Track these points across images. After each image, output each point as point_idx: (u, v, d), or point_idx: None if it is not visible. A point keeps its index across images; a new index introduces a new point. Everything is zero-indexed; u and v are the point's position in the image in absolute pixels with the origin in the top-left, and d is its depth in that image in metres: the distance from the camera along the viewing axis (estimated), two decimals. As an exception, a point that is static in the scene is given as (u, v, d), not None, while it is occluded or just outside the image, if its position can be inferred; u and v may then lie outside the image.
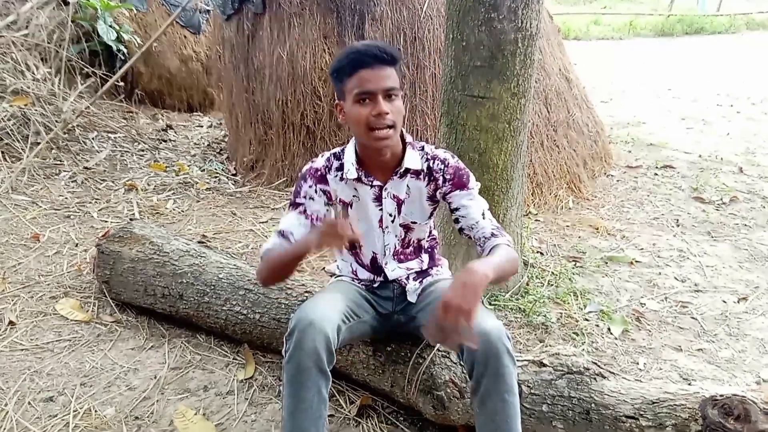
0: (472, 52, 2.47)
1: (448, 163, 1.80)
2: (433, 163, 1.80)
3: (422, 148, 1.82)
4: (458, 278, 1.47)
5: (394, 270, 1.91)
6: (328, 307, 1.68)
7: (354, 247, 1.91)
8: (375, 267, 1.92)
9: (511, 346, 1.58)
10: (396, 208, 1.83)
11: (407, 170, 1.78)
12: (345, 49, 1.65)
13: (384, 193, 1.80)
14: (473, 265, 1.49)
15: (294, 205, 1.83)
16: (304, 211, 1.81)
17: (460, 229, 1.85)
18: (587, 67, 10.18)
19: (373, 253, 1.90)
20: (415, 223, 1.87)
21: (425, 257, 1.97)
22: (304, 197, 1.81)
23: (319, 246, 1.57)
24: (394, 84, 1.63)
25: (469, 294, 1.42)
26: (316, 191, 1.81)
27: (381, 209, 1.82)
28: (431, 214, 1.89)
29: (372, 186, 1.79)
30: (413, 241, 1.92)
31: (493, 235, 1.77)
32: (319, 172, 1.81)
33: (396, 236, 1.88)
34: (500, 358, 1.55)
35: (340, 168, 1.80)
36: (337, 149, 1.85)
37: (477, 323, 1.54)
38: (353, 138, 1.81)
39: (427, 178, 1.81)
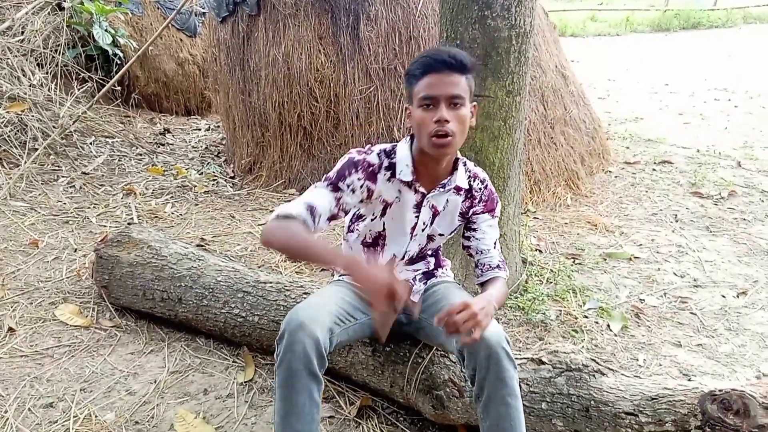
0: (466, 50, 2.45)
1: (487, 185, 1.86)
2: (474, 181, 1.83)
3: (465, 164, 1.83)
4: (480, 298, 1.61)
5: (402, 272, 1.91)
6: (319, 309, 1.65)
7: (377, 237, 1.89)
8: None
9: (511, 349, 1.59)
10: (431, 218, 1.83)
11: (459, 188, 1.80)
12: (424, 52, 1.65)
13: (425, 202, 1.78)
14: (488, 296, 1.66)
15: (333, 185, 1.70)
16: (340, 198, 1.71)
17: (466, 246, 1.91)
18: (584, 63, 10.19)
19: (393, 255, 1.88)
20: (441, 235, 1.88)
21: (432, 259, 1.99)
22: (348, 186, 1.71)
23: (361, 294, 1.51)
24: (460, 92, 1.60)
25: (485, 313, 1.53)
26: (361, 186, 1.72)
27: (417, 217, 1.81)
28: (455, 230, 1.90)
29: (417, 192, 1.77)
30: (431, 249, 1.94)
31: (498, 267, 1.88)
32: (371, 168, 1.72)
33: (419, 244, 1.88)
34: (501, 363, 1.55)
35: (390, 167, 1.75)
36: (387, 146, 1.78)
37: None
38: (405, 139, 1.79)
39: (465, 195, 1.83)
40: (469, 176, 1.83)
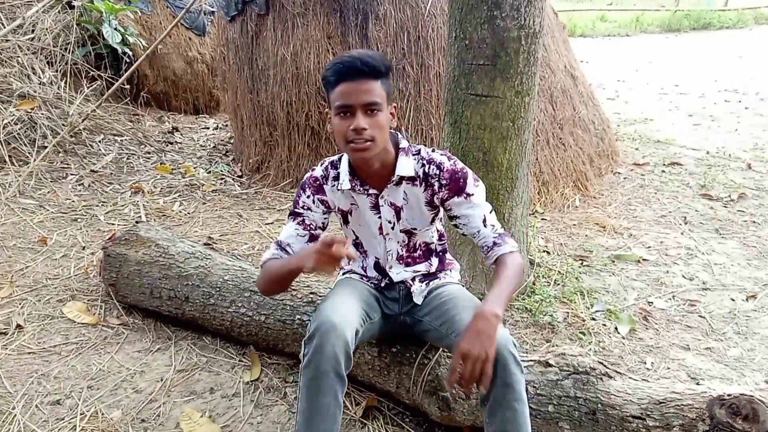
0: (475, 50, 2.46)
1: (444, 167, 1.75)
2: (429, 167, 1.76)
3: (418, 152, 1.77)
4: (472, 326, 1.52)
5: (399, 273, 1.91)
6: (348, 310, 1.68)
7: (356, 245, 1.93)
8: (379, 270, 1.92)
9: (518, 353, 1.58)
10: (395, 215, 1.82)
11: (401, 178, 1.76)
12: (336, 59, 1.64)
13: (381, 201, 1.79)
14: (484, 310, 1.54)
15: (293, 214, 1.86)
16: (303, 221, 1.84)
17: (462, 234, 1.88)
18: (593, 64, 10.15)
19: (376, 258, 1.92)
20: (416, 229, 1.85)
21: (434, 260, 1.96)
22: (303, 207, 1.84)
23: (313, 268, 1.58)
24: (376, 98, 1.60)
25: (485, 342, 1.48)
26: (314, 201, 1.83)
27: (379, 217, 1.82)
28: (433, 219, 1.87)
29: (368, 195, 1.79)
30: (420, 245, 1.91)
31: (495, 244, 1.77)
32: (317, 182, 1.83)
33: (398, 242, 1.88)
34: (508, 367, 1.54)
35: (337, 177, 1.81)
36: (335, 157, 1.85)
37: None
38: None
39: (423, 184, 1.77)
40: (423, 163, 1.76)
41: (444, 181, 1.75)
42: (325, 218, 1.87)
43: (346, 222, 1.88)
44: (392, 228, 1.84)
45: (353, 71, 1.58)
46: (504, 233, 1.80)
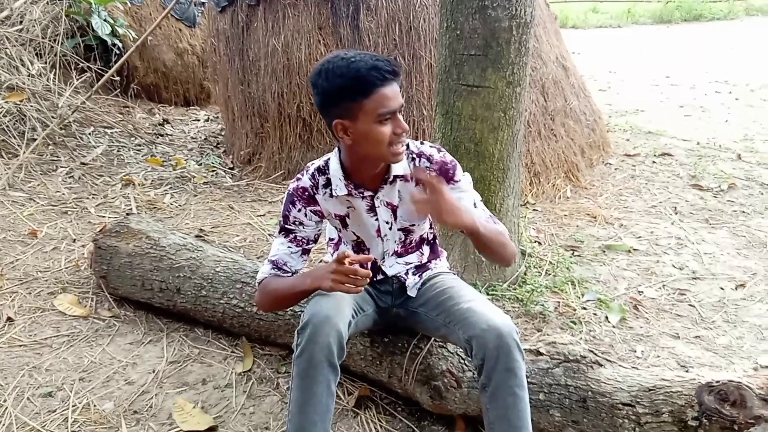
0: (466, 40, 2.46)
1: (433, 159, 1.75)
2: (419, 161, 1.76)
3: (407, 147, 1.75)
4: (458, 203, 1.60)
5: (392, 266, 1.90)
6: (341, 302, 1.67)
7: (358, 243, 1.90)
8: (374, 268, 1.91)
9: (520, 341, 1.59)
10: (391, 214, 1.81)
11: (396, 177, 1.74)
12: (347, 63, 1.52)
13: (377, 202, 1.77)
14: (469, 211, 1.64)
15: (283, 230, 1.80)
16: (294, 238, 1.79)
17: None
18: (585, 55, 10.16)
19: (375, 258, 1.89)
20: (413, 225, 1.85)
21: (426, 249, 1.96)
22: (294, 223, 1.78)
23: (332, 288, 1.58)
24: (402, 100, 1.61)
25: (454, 202, 1.57)
26: (306, 214, 1.78)
27: (377, 219, 1.80)
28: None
29: (363, 197, 1.76)
30: (415, 240, 1.92)
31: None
32: (306, 192, 1.76)
33: (395, 241, 1.87)
34: (511, 354, 1.55)
35: (327, 184, 1.76)
36: (320, 162, 1.79)
37: (487, 320, 1.58)
38: (335, 151, 1.77)
39: (415, 179, 1.77)
40: (413, 157, 1.76)
41: (434, 173, 1.74)
42: (317, 230, 1.83)
43: (344, 226, 1.84)
44: (389, 228, 1.83)
45: (390, 73, 1.53)
46: (494, 217, 1.82)
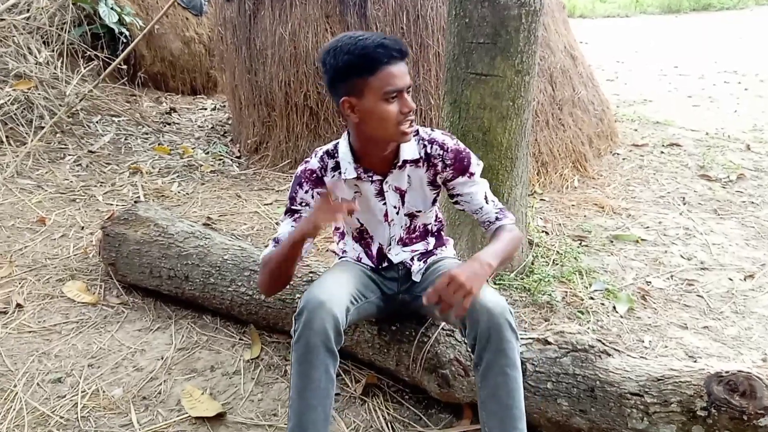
0: (475, 28, 2.44)
1: (447, 147, 1.76)
2: (431, 148, 1.76)
3: (417, 133, 1.76)
4: (466, 264, 1.57)
5: (398, 254, 1.90)
6: (338, 288, 1.68)
7: (361, 231, 1.90)
8: (380, 255, 1.91)
9: (514, 321, 1.59)
10: (399, 199, 1.81)
11: (405, 162, 1.75)
12: (356, 41, 1.54)
13: (385, 187, 1.78)
14: (479, 256, 1.59)
15: (289, 211, 1.79)
16: (300, 218, 1.77)
17: (459, 210, 1.90)
18: (593, 44, 10.09)
19: (380, 244, 1.90)
20: (420, 211, 1.86)
21: (431, 240, 1.97)
22: (300, 204, 1.77)
23: (316, 225, 1.56)
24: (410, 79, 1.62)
25: (473, 279, 1.51)
26: (312, 196, 1.76)
27: (385, 203, 1.80)
28: (434, 200, 1.87)
29: (372, 181, 1.76)
30: (419, 227, 1.92)
31: (497, 218, 1.82)
32: (314, 174, 1.76)
33: (401, 227, 1.87)
34: (502, 333, 1.55)
35: (336, 167, 1.76)
36: (329, 146, 1.79)
37: (479, 299, 1.58)
38: (344, 134, 1.77)
39: (425, 164, 1.77)
40: (424, 144, 1.76)
41: (448, 161, 1.76)
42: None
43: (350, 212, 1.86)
44: (397, 213, 1.83)
45: (397, 53, 1.55)
46: (503, 208, 1.85)
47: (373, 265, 1.93)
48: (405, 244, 1.91)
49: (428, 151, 1.76)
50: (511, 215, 1.83)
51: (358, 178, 1.75)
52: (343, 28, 4.09)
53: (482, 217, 1.84)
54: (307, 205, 1.77)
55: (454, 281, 1.49)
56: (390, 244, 1.89)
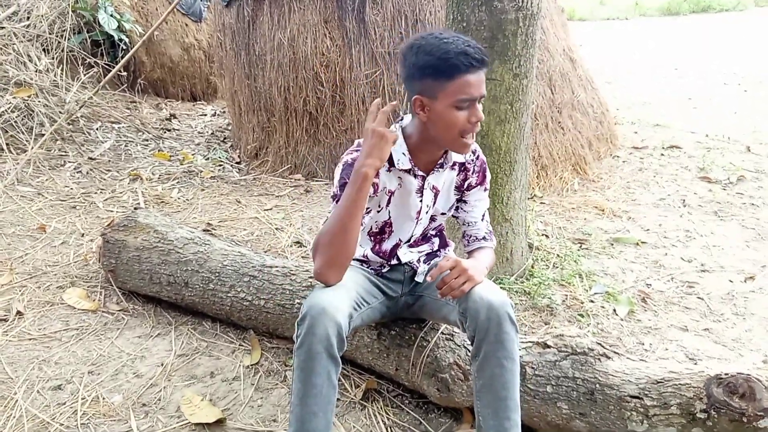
0: (473, 32, 2.45)
1: (478, 155, 1.85)
2: (469, 153, 1.82)
3: None
4: (468, 260, 1.67)
5: (406, 254, 1.91)
6: (340, 293, 1.66)
7: (383, 226, 1.87)
8: (392, 253, 1.90)
9: (514, 315, 1.60)
10: (433, 198, 1.84)
11: (455, 163, 1.80)
12: (440, 43, 1.55)
13: (426, 185, 1.79)
14: (475, 263, 1.70)
15: (338, 197, 1.69)
16: None
17: (454, 216, 1.95)
18: (592, 47, 10.10)
19: (399, 240, 1.89)
20: (443, 214, 1.89)
21: (436, 240, 1.99)
22: None
23: (384, 135, 1.58)
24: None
25: (474, 270, 1.62)
26: None
27: (421, 201, 1.81)
28: (453, 205, 1.91)
29: (416, 177, 1.78)
30: (436, 228, 1.95)
31: (485, 238, 1.93)
32: None
33: (423, 227, 1.89)
34: (502, 325, 1.56)
35: (389, 159, 1.75)
36: None
37: (480, 292, 1.61)
38: (396, 125, 1.78)
39: (458, 168, 1.83)
40: None
41: (477, 168, 1.85)
42: (372, 195, 1.77)
43: (388, 203, 1.82)
44: (426, 213, 1.85)
45: (479, 63, 1.55)
46: (492, 231, 1.96)
47: (379, 263, 1.91)
48: (415, 244, 1.92)
49: (466, 156, 1.82)
50: (495, 240, 1.96)
51: (407, 171, 1.76)
52: (342, 33, 4.11)
53: (471, 231, 1.92)
54: None
55: (458, 266, 1.59)
56: (408, 242, 1.90)
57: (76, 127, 4.84)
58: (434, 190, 1.83)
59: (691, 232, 3.49)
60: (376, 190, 1.76)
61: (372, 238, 1.90)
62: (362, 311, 1.76)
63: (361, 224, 1.87)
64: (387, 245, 1.89)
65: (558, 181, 4.14)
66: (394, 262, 1.91)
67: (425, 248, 1.95)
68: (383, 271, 1.92)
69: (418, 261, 1.92)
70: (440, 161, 1.78)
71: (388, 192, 1.79)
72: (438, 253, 1.98)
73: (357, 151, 1.73)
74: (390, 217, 1.85)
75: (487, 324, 1.57)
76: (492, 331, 1.56)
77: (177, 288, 2.50)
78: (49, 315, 2.59)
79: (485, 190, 1.90)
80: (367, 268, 1.93)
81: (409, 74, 1.63)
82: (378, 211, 1.83)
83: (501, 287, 2.73)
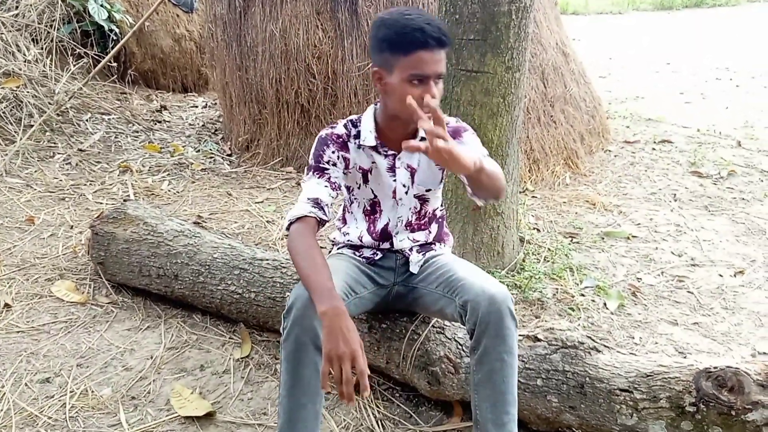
0: (465, 25, 2.44)
1: (450, 124, 1.79)
2: None
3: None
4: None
5: (402, 240, 1.90)
6: None
7: (374, 204, 1.88)
8: (384, 235, 1.90)
9: (514, 309, 1.60)
10: (410, 177, 1.82)
11: (422, 139, 1.75)
12: (401, 18, 1.57)
13: (398, 163, 1.80)
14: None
15: (317, 170, 1.76)
16: (329, 178, 1.76)
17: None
18: (585, 41, 10.11)
19: (388, 220, 1.88)
20: (429, 190, 1.86)
21: (434, 228, 1.96)
22: (328, 162, 1.77)
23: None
24: (444, 69, 1.62)
25: (459, 147, 1.44)
26: (338, 157, 1.78)
27: (395, 180, 1.82)
28: (442, 177, 1.88)
29: (386, 156, 1.79)
30: (428, 212, 1.93)
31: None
32: (341, 138, 1.79)
33: (410, 209, 1.87)
34: (503, 319, 1.56)
35: (358, 135, 1.80)
36: (353, 117, 1.84)
37: (483, 286, 1.60)
38: (372, 106, 1.81)
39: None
40: None
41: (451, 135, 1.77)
42: (342, 180, 1.81)
43: (366, 181, 1.84)
44: (405, 193, 1.84)
45: (435, 41, 1.55)
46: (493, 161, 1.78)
47: (372, 248, 1.91)
48: (413, 230, 1.91)
49: None
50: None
51: (375, 148, 1.78)
52: (334, 24, 4.08)
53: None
54: (334, 165, 1.77)
55: (444, 136, 1.43)
56: (396, 225, 1.89)
57: (65, 118, 4.80)
58: (409, 169, 1.81)
59: (682, 226, 3.50)
60: (348, 166, 1.80)
61: (367, 218, 1.91)
62: (351, 301, 1.75)
63: (351, 202, 1.92)
64: (379, 225, 1.89)
65: (550, 175, 4.14)
66: (386, 245, 1.90)
67: (420, 237, 1.93)
68: (375, 258, 1.91)
69: (411, 250, 1.91)
70: (411, 139, 1.75)
71: (360, 169, 1.82)
72: (433, 246, 1.96)
73: (332, 127, 1.81)
74: (375, 194, 1.87)
75: (488, 318, 1.56)
76: (492, 324, 1.56)
77: (167, 280, 2.48)
78: (38, 307, 2.57)
79: (461, 138, 1.76)
80: (359, 256, 1.92)
81: (372, 46, 1.67)
82: (358, 188, 1.86)
83: (492, 281, 2.73)
